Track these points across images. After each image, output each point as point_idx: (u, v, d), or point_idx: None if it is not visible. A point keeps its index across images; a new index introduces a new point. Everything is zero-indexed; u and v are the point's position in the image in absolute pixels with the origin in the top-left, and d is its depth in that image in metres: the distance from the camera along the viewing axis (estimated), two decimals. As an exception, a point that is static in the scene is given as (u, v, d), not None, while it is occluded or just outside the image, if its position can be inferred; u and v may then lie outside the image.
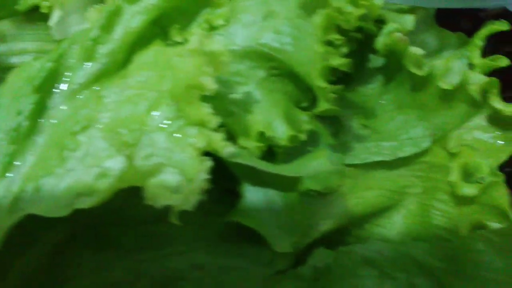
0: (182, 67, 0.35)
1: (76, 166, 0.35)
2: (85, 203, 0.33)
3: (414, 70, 0.43)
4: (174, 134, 0.34)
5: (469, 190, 0.41)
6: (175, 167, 0.33)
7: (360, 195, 0.44)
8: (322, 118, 0.44)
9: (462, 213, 0.42)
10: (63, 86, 0.39)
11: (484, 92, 0.42)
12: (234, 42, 0.42)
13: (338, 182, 0.44)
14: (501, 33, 0.45)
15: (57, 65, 0.39)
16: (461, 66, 0.45)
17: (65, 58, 0.39)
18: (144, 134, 0.34)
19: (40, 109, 0.38)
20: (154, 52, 0.39)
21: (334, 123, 0.45)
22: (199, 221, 0.42)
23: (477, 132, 0.43)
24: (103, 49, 0.39)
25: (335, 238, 0.44)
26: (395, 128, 0.45)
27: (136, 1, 0.40)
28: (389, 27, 0.43)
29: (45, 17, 0.46)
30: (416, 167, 0.44)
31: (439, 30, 0.49)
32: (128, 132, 0.35)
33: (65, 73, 0.39)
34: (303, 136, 0.42)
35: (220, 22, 0.42)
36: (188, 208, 0.32)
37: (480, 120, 0.43)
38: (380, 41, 0.44)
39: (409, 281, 0.42)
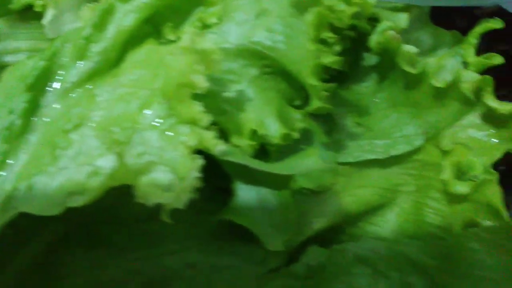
0: (174, 65, 0.35)
1: (68, 165, 0.35)
2: (77, 202, 0.33)
3: (407, 68, 0.43)
4: (166, 132, 0.34)
5: (461, 188, 0.41)
6: (166, 165, 0.33)
7: (354, 193, 0.44)
8: (316, 116, 0.44)
9: (454, 211, 0.42)
10: (56, 85, 0.39)
11: (478, 90, 0.42)
12: (227, 40, 0.42)
13: (331, 180, 0.44)
14: (496, 31, 0.45)
15: (50, 63, 0.39)
16: (455, 64, 0.45)
17: (58, 57, 0.39)
18: (136, 133, 0.34)
19: (33, 108, 0.38)
20: (146, 50, 0.39)
21: (327, 121, 0.45)
22: (191, 219, 0.42)
23: (471, 130, 0.43)
24: (96, 48, 0.39)
25: (329, 236, 0.44)
26: (388, 126, 0.45)
27: (129, 0, 0.40)
28: (383, 25, 0.44)
29: (38, 16, 0.46)
30: (409, 165, 0.44)
31: (434, 28, 0.49)
32: (120, 130, 0.35)
33: (58, 72, 0.39)
34: (295, 134, 0.42)
35: (213, 20, 0.42)
36: (180, 206, 0.32)
37: (474, 118, 0.43)
38: (374, 39, 0.44)
39: (403, 280, 0.42)
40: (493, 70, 0.44)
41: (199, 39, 0.36)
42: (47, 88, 0.39)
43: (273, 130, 0.41)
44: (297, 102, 0.43)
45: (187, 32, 0.36)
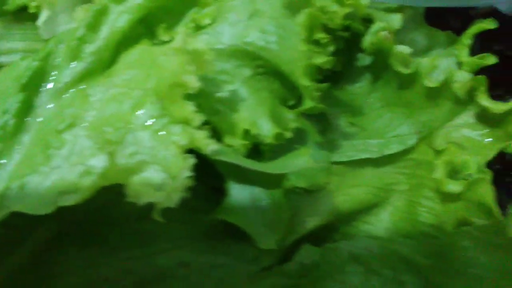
0: (166, 65, 0.36)
1: (61, 164, 0.35)
2: (69, 201, 0.33)
3: (400, 68, 0.43)
4: (158, 132, 0.34)
5: (454, 187, 0.41)
6: (158, 165, 0.33)
7: (347, 192, 0.45)
8: (309, 116, 0.44)
9: (447, 209, 0.42)
10: (50, 85, 0.39)
11: (472, 90, 0.42)
12: (221, 41, 0.42)
13: (324, 179, 0.44)
14: (490, 32, 0.45)
15: (43, 64, 0.39)
16: (448, 64, 0.45)
17: (52, 57, 0.40)
18: (129, 132, 0.35)
19: (26, 108, 0.38)
20: (139, 51, 0.39)
21: (321, 121, 0.45)
22: (184, 218, 0.42)
23: (465, 130, 0.44)
24: (89, 48, 0.40)
25: (322, 235, 0.44)
26: (382, 126, 0.45)
27: (122, 1, 0.41)
28: (376, 26, 0.44)
29: (33, 17, 0.46)
30: (403, 164, 0.45)
31: (428, 29, 0.49)
32: (112, 130, 0.35)
33: (52, 72, 0.39)
34: (288, 134, 0.42)
35: (206, 21, 0.43)
36: (172, 205, 0.32)
37: (468, 117, 0.43)
38: (367, 40, 0.44)
39: (396, 278, 0.42)
40: (489, 70, 0.44)
41: (191, 40, 0.36)
42: (40, 88, 0.39)
43: (266, 129, 0.41)
44: (290, 102, 0.44)
45: (180, 33, 0.36)
